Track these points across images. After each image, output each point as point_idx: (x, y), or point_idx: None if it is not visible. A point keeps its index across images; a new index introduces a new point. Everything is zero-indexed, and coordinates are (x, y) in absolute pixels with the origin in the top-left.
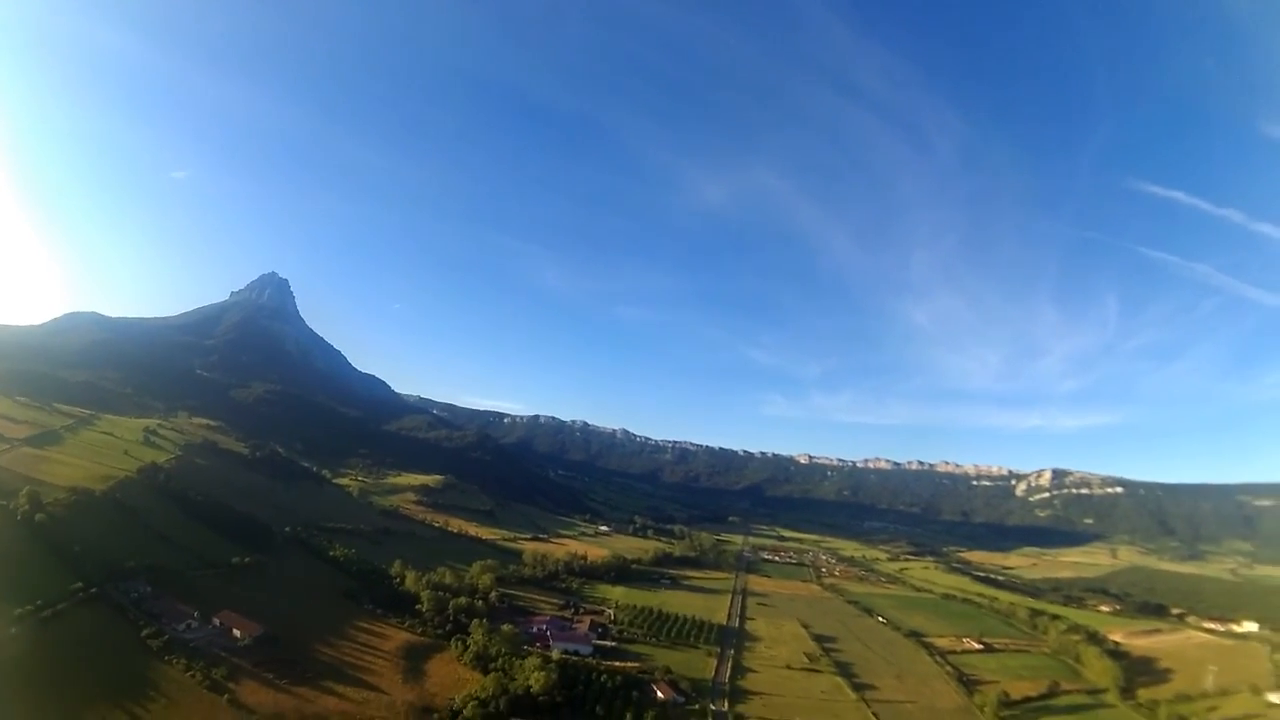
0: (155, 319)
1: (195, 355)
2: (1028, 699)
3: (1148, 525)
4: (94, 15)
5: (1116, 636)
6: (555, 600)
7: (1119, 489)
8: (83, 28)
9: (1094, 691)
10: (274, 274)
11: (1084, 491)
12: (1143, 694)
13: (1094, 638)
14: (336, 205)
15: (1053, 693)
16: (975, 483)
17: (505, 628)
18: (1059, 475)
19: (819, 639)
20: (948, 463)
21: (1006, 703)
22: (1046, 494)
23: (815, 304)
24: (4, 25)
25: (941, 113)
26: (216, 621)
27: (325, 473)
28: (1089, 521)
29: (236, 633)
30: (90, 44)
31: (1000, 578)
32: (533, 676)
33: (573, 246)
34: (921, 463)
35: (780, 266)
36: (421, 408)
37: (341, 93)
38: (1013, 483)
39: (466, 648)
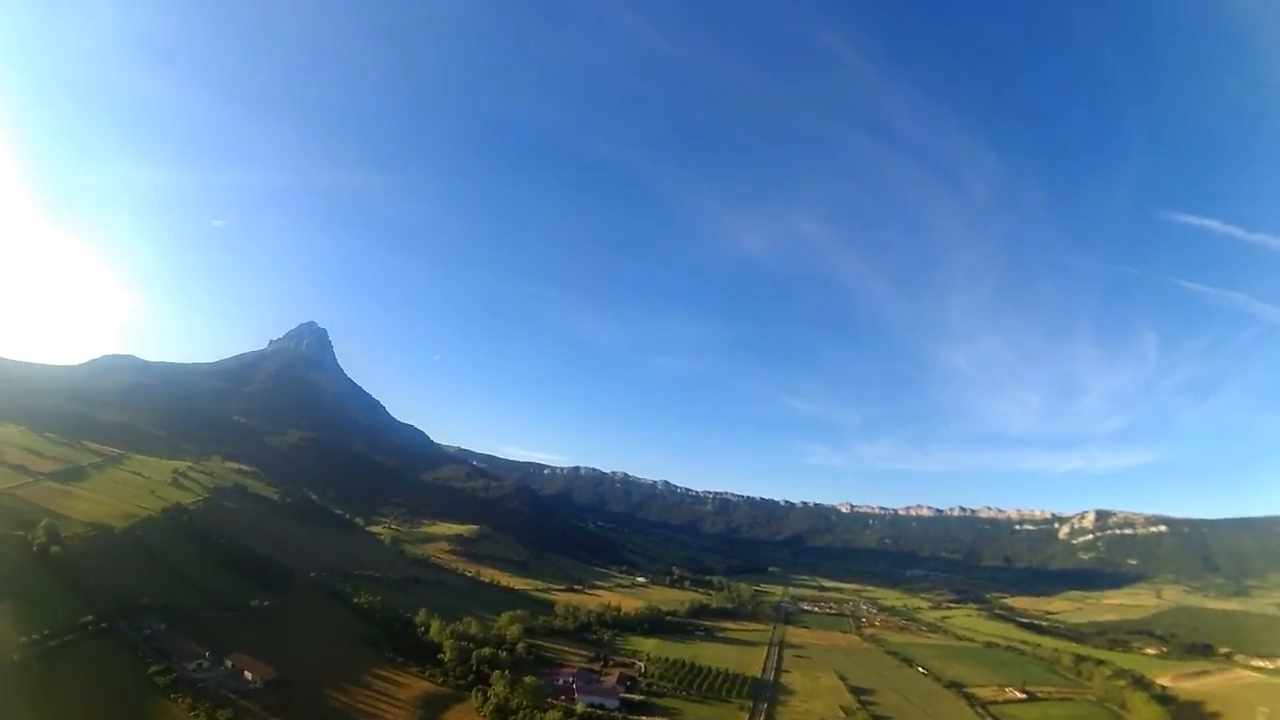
0: (193, 365)
1: (232, 402)
2: None
3: (1192, 563)
4: (135, 60)
5: (1163, 680)
6: (585, 652)
7: (1163, 527)
8: (123, 73)
9: None
10: (313, 323)
11: (1128, 532)
12: None
13: (1140, 682)
14: (376, 254)
15: None
16: (1018, 527)
17: (528, 679)
18: (1102, 516)
19: (856, 691)
20: (990, 508)
21: None
22: (1090, 536)
23: (854, 350)
24: (44, 72)
25: (974, 152)
26: (228, 663)
27: (358, 521)
28: (1133, 562)
29: (248, 675)
30: (132, 90)
31: (1044, 623)
32: None
33: (610, 295)
34: (964, 508)
35: (818, 313)
36: (461, 458)
37: (381, 142)
38: (1056, 526)
39: (486, 699)
